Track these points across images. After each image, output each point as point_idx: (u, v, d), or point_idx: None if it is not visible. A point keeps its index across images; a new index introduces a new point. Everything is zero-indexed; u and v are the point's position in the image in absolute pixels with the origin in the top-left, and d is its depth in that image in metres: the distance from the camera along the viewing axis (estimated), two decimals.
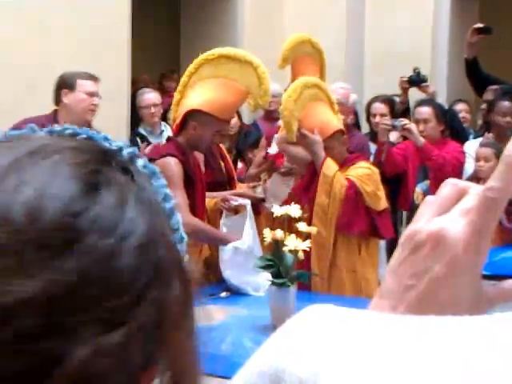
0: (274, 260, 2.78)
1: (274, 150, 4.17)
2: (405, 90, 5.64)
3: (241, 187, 3.89)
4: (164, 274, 0.50)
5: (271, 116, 5.47)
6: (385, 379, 0.43)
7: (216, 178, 3.72)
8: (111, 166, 0.52)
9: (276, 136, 3.93)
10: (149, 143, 5.07)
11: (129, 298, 0.47)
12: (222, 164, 3.82)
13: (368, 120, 5.55)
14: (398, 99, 5.64)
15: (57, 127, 0.55)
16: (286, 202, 3.18)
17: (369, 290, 3.35)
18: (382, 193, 3.50)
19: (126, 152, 0.54)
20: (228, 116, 3.42)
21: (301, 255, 2.77)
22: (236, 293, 3.24)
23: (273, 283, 2.78)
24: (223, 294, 3.18)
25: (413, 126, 4.55)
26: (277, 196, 3.76)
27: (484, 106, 5.34)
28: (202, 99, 3.28)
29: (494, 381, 0.42)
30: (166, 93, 6.48)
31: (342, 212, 3.38)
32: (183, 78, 3.37)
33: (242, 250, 3.23)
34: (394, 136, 4.86)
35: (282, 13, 7.53)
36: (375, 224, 3.43)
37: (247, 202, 3.44)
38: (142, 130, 5.37)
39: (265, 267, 2.81)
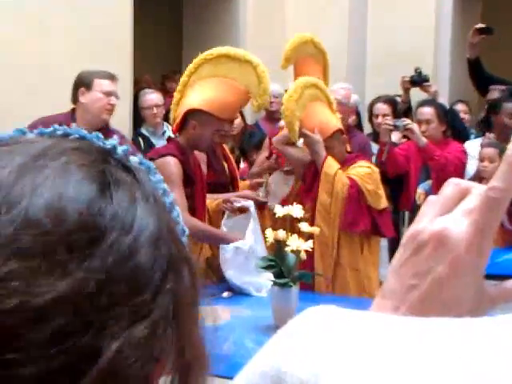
0: (276, 260, 2.78)
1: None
2: (406, 90, 5.63)
3: (243, 185, 3.89)
4: (175, 266, 0.51)
5: (273, 117, 5.47)
6: (386, 381, 0.43)
7: (219, 179, 3.72)
8: (112, 164, 0.52)
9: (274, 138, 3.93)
10: (151, 144, 5.07)
11: (150, 291, 0.49)
12: (225, 165, 3.81)
13: (370, 120, 5.55)
14: (399, 99, 5.64)
15: (46, 129, 0.55)
16: (286, 202, 3.18)
17: (371, 288, 3.37)
18: (382, 192, 3.53)
19: (120, 150, 0.55)
20: (228, 115, 3.41)
21: (303, 255, 2.77)
22: (238, 293, 3.23)
23: (275, 283, 2.77)
24: (225, 294, 3.18)
25: (415, 126, 4.54)
26: (277, 194, 3.77)
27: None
28: (201, 98, 3.28)
29: (495, 383, 0.41)
30: (168, 93, 6.46)
31: (345, 211, 3.39)
32: (183, 78, 3.37)
33: (243, 250, 3.22)
34: (396, 136, 4.85)
35: (284, 13, 7.54)
36: (376, 223, 3.45)
37: (250, 204, 3.44)
38: (144, 131, 5.37)
39: (267, 267, 2.81)
